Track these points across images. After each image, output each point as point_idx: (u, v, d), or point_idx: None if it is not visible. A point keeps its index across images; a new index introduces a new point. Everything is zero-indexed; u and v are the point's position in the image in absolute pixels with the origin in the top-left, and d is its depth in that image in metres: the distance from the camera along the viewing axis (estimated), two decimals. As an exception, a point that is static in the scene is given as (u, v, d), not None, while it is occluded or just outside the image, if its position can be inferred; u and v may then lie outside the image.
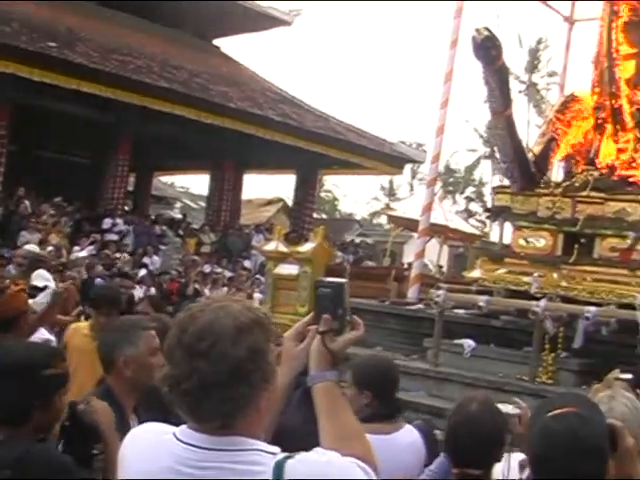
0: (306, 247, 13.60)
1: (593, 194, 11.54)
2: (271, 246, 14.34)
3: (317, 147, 27.14)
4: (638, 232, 11.07)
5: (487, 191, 52.52)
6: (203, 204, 35.77)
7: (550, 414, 2.58)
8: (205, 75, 26.82)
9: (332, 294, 2.52)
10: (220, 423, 2.17)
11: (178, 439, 2.22)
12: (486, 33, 10.88)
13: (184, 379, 2.15)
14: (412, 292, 13.83)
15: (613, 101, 12.43)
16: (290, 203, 34.58)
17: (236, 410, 2.17)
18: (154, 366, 4.11)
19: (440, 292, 11.43)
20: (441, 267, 28.93)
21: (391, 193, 63.84)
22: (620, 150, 12.28)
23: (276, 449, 2.21)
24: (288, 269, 13.65)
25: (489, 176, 54.85)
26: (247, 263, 25.01)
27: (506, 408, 3.95)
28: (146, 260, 21.33)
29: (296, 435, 2.57)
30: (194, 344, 2.15)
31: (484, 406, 3.83)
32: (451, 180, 59.47)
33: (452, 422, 3.81)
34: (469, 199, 58.97)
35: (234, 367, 2.14)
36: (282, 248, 13.84)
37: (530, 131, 43.21)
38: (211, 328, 2.16)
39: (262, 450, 2.17)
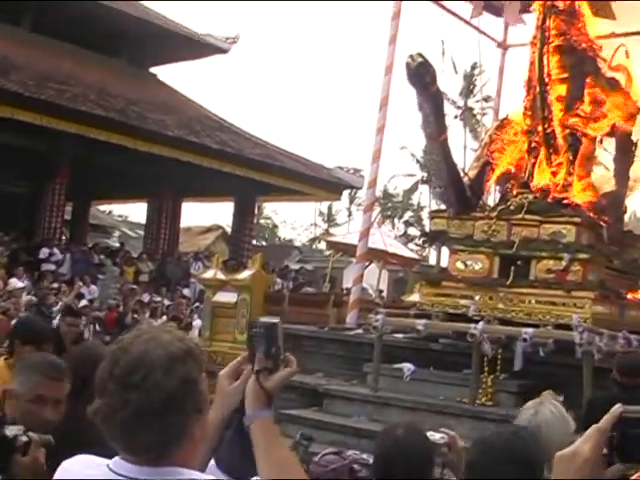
0: (244, 274, 13.63)
1: (528, 217, 11.67)
2: (209, 274, 14.35)
3: (255, 174, 27.16)
4: (573, 253, 11.22)
5: (425, 215, 52.89)
6: (142, 232, 35.53)
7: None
8: (142, 103, 26.73)
9: (265, 334, 2.55)
10: (155, 454, 2.16)
11: (112, 470, 2.19)
12: (420, 59, 10.97)
13: (118, 410, 2.13)
14: (351, 317, 13.84)
15: (546, 125, 12.60)
16: (229, 230, 34.49)
17: (171, 440, 2.16)
18: (33, 413, 3.89)
19: (378, 317, 11.46)
20: (381, 291, 29.03)
21: (330, 219, 64.03)
22: (554, 173, 12.44)
23: (211, 477, 2.20)
24: (226, 297, 13.66)
25: (427, 200, 55.28)
26: (186, 291, 24.88)
27: (434, 437, 3.96)
28: (84, 290, 21.11)
29: (232, 468, 2.59)
30: (127, 376, 2.14)
31: (410, 429, 3.85)
32: (390, 205, 59.81)
33: (380, 448, 3.83)
34: (408, 223, 59.38)
35: (168, 397, 2.13)
36: (220, 276, 13.85)
37: (467, 155, 43.67)
38: (143, 360, 2.15)
39: None
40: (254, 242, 34.70)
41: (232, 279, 13.82)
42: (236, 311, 13.47)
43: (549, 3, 12.93)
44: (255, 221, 35.30)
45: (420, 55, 11.07)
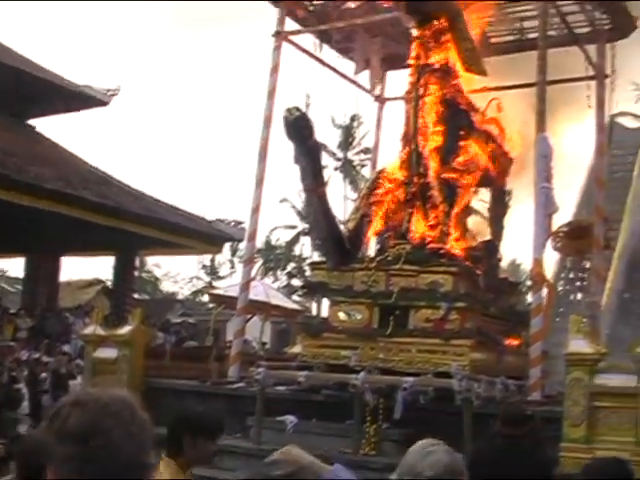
0: (124, 330, 13.45)
1: (406, 267, 11.87)
2: (89, 329, 14.11)
3: (136, 228, 26.88)
4: (450, 302, 11.44)
5: (307, 266, 52.98)
6: (20, 287, 34.77)
7: None
8: (20, 155, 26.26)
9: None
10: None
11: None
12: (297, 113, 11.11)
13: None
14: (233, 371, 13.77)
15: (421, 177, 12.88)
16: (110, 285, 34.01)
17: None
18: None
19: (260, 370, 11.48)
20: (264, 344, 28.96)
21: (213, 271, 63.69)
22: (430, 224, 12.71)
23: None
24: (107, 352, 13.44)
25: (309, 252, 55.55)
26: (67, 347, 24.37)
27: None
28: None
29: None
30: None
31: None
32: (272, 256, 59.88)
33: None
34: (291, 275, 59.43)
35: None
36: (100, 331, 13.63)
37: (347, 207, 44.10)
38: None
39: None
40: (136, 296, 34.27)
41: (112, 334, 13.62)
42: (117, 367, 13.28)
43: (423, 62, 13.28)
44: (137, 275, 34.90)
45: (297, 109, 11.21)
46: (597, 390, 9.75)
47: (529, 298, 13.54)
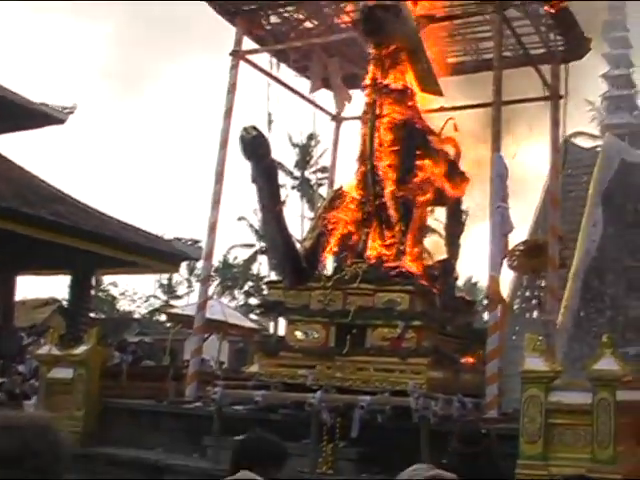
0: (80, 349, 13.34)
1: (363, 286, 11.89)
2: (44, 349, 13.98)
3: (92, 246, 26.67)
4: (407, 321, 11.48)
5: (265, 285, 52.89)
6: (-26, 308, 34.36)
7: None
8: (-27, 173, 26.04)
9: None
10: None
11: None
12: (254, 132, 11.12)
13: None
14: (190, 390, 13.70)
15: (378, 196, 12.93)
16: (66, 304, 33.72)
17: None
18: None
19: (217, 389, 11.44)
20: (222, 363, 28.84)
21: (170, 290, 63.42)
22: (387, 243, 12.76)
23: None
24: (62, 373, 13.33)
25: (266, 270, 55.49)
26: (21, 367, 24.14)
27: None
28: None
29: None
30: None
31: None
32: (229, 275, 59.76)
33: None
34: (248, 294, 59.32)
35: None
36: (55, 351, 13.52)
37: (304, 226, 44.13)
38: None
39: None
40: (92, 315, 34.00)
41: (68, 354, 13.50)
42: (72, 387, 13.17)
43: (379, 83, 13.35)
44: (93, 294, 34.65)
45: (254, 128, 11.22)
46: (553, 407, 9.83)
47: (486, 316, 13.62)
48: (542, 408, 9.79)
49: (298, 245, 13.68)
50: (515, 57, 15.23)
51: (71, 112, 32.43)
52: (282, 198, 12.63)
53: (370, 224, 13.00)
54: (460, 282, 14.42)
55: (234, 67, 15.08)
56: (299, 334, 12.05)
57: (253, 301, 56.07)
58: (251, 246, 58.24)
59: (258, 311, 17.93)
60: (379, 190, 12.92)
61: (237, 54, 15.15)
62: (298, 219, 48.58)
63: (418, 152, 13.25)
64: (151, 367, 23.61)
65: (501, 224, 12.11)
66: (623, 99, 54.95)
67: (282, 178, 51.41)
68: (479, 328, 13.32)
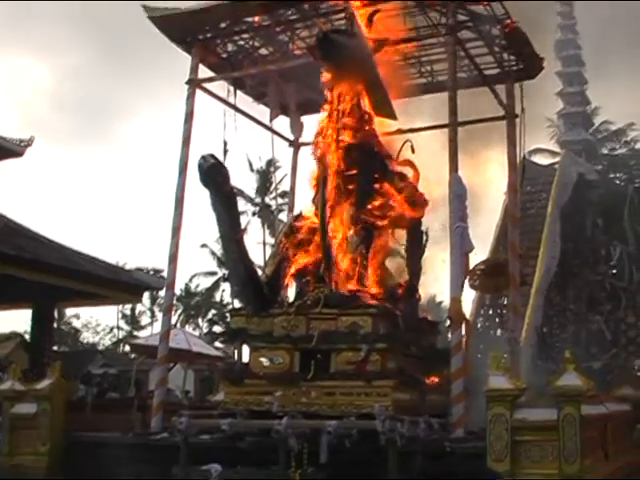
0: (43, 384, 13.22)
1: (325, 310, 11.92)
2: (7, 385, 13.84)
3: (53, 279, 26.47)
4: (371, 344, 11.50)
5: (228, 313, 52.79)
6: None
7: None
8: None
9: None
10: None
11: None
12: (212, 160, 11.13)
13: None
14: (155, 421, 13.60)
15: (335, 221, 12.96)
16: (28, 338, 33.44)
17: None
18: None
19: (182, 419, 11.37)
20: (187, 392, 28.71)
21: (133, 321, 63.12)
22: (348, 266, 12.77)
23: None
24: (26, 408, 13.21)
25: (230, 298, 55.36)
26: (-17, 404, 23.85)
27: None
28: None
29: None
30: None
31: None
32: (192, 303, 59.58)
33: None
34: (212, 321, 59.16)
35: None
36: (18, 387, 13.39)
37: (266, 252, 44.05)
38: None
39: None
40: (55, 349, 33.76)
41: (31, 389, 13.38)
42: (37, 422, 13.05)
43: (335, 106, 13.42)
44: (55, 327, 34.37)
45: (212, 156, 11.24)
46: (518, 425, 9.86)
47: (449, 336, 13.65)
48: (508, 426, 9.82)
49: (260, 272, 13.65)
50: (470, 78, 15.36)
51: (28, 145, 32.26)
52: (243, 225, 12.59)
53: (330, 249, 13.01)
54: (424, 302, 14.43)
55: (190, 96, 15.06)
56: (264, 361, 12.03)
57: (217, 329, 55.94)
58: (213, 274, 58.16)
59: (222, 339, 17.84)
60: (337, 214, 12.95)
61: (193, 82, 15.15)
62: (260, 246, 48.53)
63: (376, 175, 13.32)
64: (116, 399, 23.43)
65: (461, 244, 12.16)
66: (578, 116, 55.63)
67: (243, 205, 51.52)
68: (443, 348, 13.35)
